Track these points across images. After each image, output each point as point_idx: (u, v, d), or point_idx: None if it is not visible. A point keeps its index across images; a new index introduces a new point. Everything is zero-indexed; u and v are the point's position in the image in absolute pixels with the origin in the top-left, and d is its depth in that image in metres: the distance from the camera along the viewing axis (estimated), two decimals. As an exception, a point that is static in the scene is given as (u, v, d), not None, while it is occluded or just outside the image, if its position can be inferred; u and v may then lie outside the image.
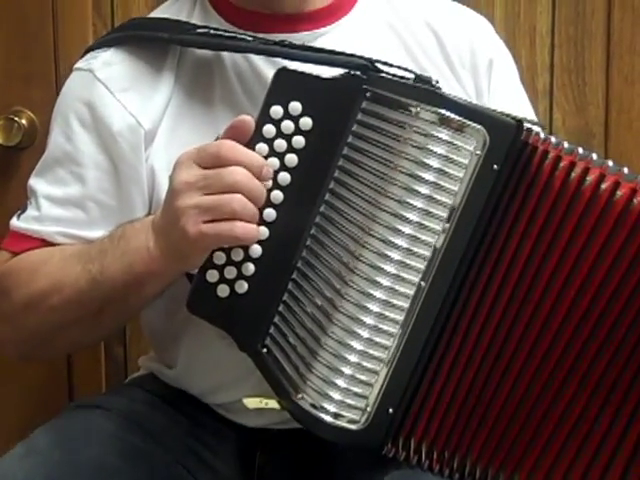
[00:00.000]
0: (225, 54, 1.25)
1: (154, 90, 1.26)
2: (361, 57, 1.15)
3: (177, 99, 1.26)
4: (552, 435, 1.13)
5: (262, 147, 1.13)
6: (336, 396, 1.12)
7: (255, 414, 1.25)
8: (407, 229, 1.09)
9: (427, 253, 1.09)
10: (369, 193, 1.10)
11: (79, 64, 1.30)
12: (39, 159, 1.32)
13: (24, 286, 1.24)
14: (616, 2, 1.64)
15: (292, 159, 1.14)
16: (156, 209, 1.22)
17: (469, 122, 1.08)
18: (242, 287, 1.15)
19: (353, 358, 1.11)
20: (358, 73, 1.13)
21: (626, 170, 1.07)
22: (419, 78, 1.13)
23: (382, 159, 1.10)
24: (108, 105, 1.25)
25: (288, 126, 1.13)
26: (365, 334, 1.11)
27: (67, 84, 1.31)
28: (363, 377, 1.12)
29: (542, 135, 1.08)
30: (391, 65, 1.15)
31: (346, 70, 1.14)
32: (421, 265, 1.09)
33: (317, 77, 1.14)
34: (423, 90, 1.11)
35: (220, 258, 1.14)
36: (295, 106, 1.13)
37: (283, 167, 1.14)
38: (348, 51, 1.18)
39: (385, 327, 1.11)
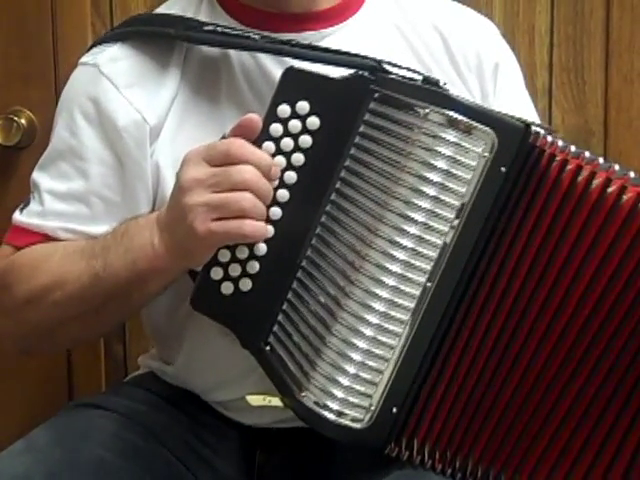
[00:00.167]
0: (232, 52, 1.25)
1: (160, 86, 1.25)
2: (369, 58, 1.16)
3: (183, 95, 1.26)
4: (554, 436, 1.13)
5: (269, 145, 1.13)
6: (339, 394, 1.12)
7: (255, 412, 1.26)
8: (413, 230, 1.09)
9: (433, 254, 1.10)
10: (375, 193, 1.11)
11: (84, 58, 1.30)
12: (38, 159, 1.31)
13: (26, 281, 1.24)
14: (615, 1, 1.64)
15: (299, 158, 1.14)
16: (160, 205, 1.23)
17: (478, 124, 1.08)
18: (246, 285, 1.16)
19: (357, 357, 1.12)
20: (366, 74, 1.13)
21: (632, 174, 1.08)
22: (427, 80, 1.13)
23: (389, 160, 1.10)
24: (113, 100, 1.24)
25: (295, 125, 1.13)
26: (370, 333, 1.11)
27: (72, 78, 1.31)
28: (367, 376, 1.12)
29: (549, 138, 1.09)
30: (399, 66, 1.15)
31: (354, 70, 1.14)
32: (427, 266, 1.10)
33: (325, 77, 1.14)
34: (432, 92, 1.11)
35: (225, 255, 1.15)
36: (303, 105, 1.13)
37: (289, 166, 1.14)
38: (355, 52, 1.18)
39: (390, 327, 1.11)
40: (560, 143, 1.09)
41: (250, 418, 1.32)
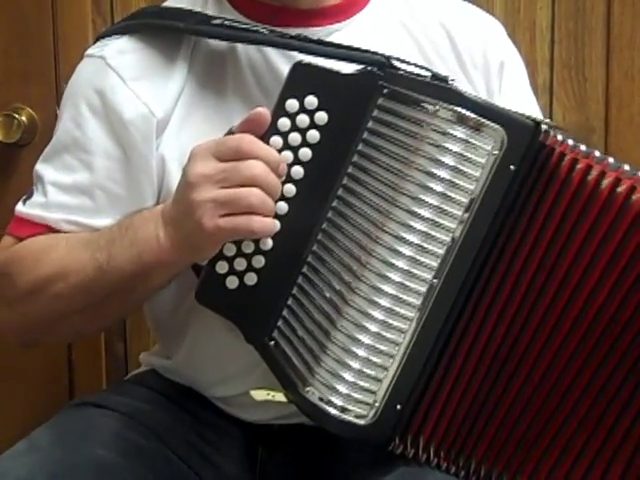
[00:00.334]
0: (239, 46, 1.25)
1: (167, 79, 1.24)
2: (378, 54, 1.15)
3: (190, 89, 1.25)
4: (555, 437, 1.14)
5: (276, 140, 1.12)
6: (344, 390, 1.13)
7: (257, 408, 1.26)
8: (420, 226, 1.09)
9: (440, 251, 1.10)
10: (383, 189, 1.10)
11: (91, 50, 1.29)
12: (39, 156, 1.30)
13: (28, 272, 1.23)
14: (616, -3, 1.65)
15: (306, 153, 1.13)
16: (165, 198, 1.22)
17: (487, 121, 1.08)
18: (251, 279, 1.15)
19: (362, 353, 1.12)
20: (375, 69, 1.13)
21: (641, 173, 1.08)
22: (436, 76, 1.13)
23: (397, 156, 1.10)
24: (119, 93, 1.23)
25: (303, 120, 1.12)
26: (375, 329, 1.11)
27: (78, 70, 1.30)
28: (372, 372, 1.12)
29: (560, 137, 1.09)
30: (408, 62, 1.14)
31: (363, 66, 1.14)
32: (434, 262, 1.10)
33: (334, 72, 1.13)
34: (441, 88, 1.11)
35: (230, 250, 1.14)
36: (311, 100, 1.12)
37: (297, 161, 1.13)
38: (362, 48, 1.18)
39: (396, 323, 1.11)
40: (570, 142, 1.09)
41: (252, 414, 1.32)
